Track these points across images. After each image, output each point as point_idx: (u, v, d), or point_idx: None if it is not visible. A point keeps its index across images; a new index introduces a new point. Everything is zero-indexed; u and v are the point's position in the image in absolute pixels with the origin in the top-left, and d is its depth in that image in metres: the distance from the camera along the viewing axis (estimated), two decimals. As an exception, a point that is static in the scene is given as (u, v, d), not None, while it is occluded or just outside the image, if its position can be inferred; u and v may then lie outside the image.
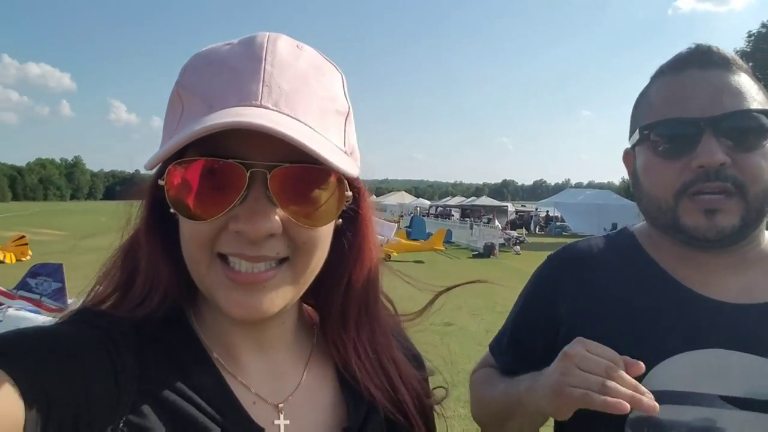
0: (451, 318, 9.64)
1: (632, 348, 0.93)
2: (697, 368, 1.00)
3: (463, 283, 1.01)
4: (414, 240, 23.72)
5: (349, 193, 0.72)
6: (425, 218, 35.95)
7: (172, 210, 0.66)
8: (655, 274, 1.12)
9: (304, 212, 0.67)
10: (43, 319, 4.81)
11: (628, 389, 0.85)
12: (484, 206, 44.62)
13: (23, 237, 17.20)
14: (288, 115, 0.64)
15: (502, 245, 23.90)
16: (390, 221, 41.47)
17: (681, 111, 1.02)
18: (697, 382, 0.99)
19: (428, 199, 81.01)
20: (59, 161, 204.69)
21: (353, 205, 0.76)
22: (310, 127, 0.66)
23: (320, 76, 0.71)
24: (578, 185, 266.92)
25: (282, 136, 0.59)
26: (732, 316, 1.03)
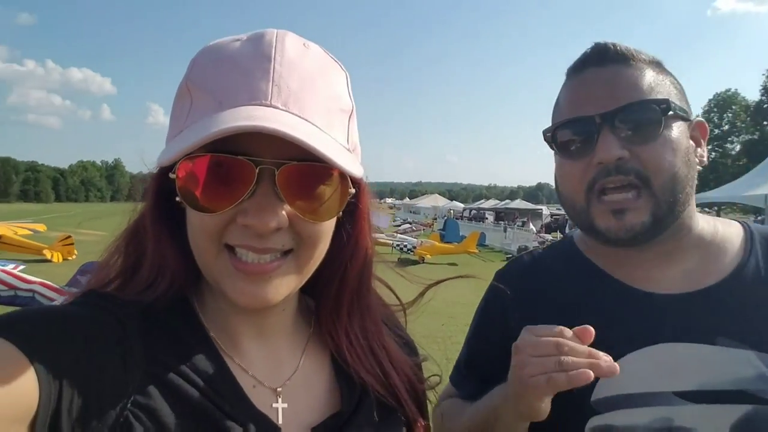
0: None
1: None
2: (648, 367, 0.98)
3: (453, 278, 1.03)
4: (447, 243, 23.66)
5: (352, 190, 0.73)
6: (459, 221, 35.73)
7: (178, 199, 0.68)
8: (595, 276, 1.11)
9: (309, 208, 0.69)
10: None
11: (584, 358, 0.84)
12: (518, 209, 44.29)
13: (69, 237, 17.77)
14: (296, 115, 0.66)
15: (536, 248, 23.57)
16: (423, 224, 41.44)
17: (580, 110, 1.02)
18: (649, 382, 0.97)
19: (462, 202, 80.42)
20: (100, 163, 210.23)
21: (353, 199, 0.77)
22: (317, 126, 0.68)
23: (326, 75, 0.73)
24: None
25: (291, 139, 0.61)
26: (674, 308, 1.02)
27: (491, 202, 61.35)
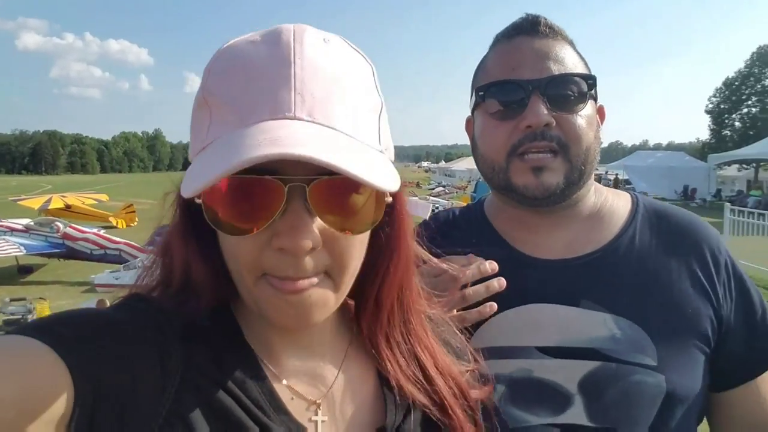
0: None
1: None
2: (517, 324, 1.07)
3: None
4: (478, 204, 24.32)
5: (389, 199, 0.70)
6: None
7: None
8: (493, 241, 1.19)
9: (344, 222, 0.65)
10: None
11: (478, 281, 1.05)
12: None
13: (131, 205, 20.03)
14: (322, 125, 0.62)
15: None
16: (457, 187, 41.94)
17: (511, 74, 1.08)
18: (517, 337, 1.06)
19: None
20: (141, 134, 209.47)
21: (388, 208, 0.73)
22: (346, 134, 0.63)
23: (351, 72, 0.68)
24: (657, 146, 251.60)
25: (318, 163, 0.55)
26: (551, 273, 1.11)
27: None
